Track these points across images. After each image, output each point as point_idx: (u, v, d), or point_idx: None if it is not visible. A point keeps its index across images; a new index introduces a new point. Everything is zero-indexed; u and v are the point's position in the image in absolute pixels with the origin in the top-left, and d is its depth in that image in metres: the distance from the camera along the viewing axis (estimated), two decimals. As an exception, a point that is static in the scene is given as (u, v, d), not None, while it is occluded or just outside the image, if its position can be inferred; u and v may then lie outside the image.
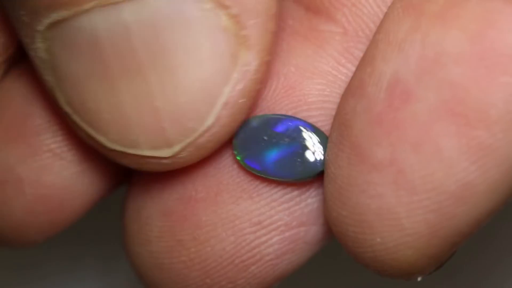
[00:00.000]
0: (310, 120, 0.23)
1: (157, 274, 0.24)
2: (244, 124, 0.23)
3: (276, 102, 0.23)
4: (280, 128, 0.23)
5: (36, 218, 0.25)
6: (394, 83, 0.20)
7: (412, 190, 0.20)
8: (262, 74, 0.22)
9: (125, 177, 0.26)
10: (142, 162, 0.22)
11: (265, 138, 0.23)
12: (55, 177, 0.25)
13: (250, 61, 0.21)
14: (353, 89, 0.21)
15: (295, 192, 0.23)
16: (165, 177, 0.24)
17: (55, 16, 0.20)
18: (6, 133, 0.25)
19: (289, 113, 0.23)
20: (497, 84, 0.19)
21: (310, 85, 0.23)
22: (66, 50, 0.21)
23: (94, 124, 0.22)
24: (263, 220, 0.23)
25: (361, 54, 0.23)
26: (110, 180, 0.26)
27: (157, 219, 0.24)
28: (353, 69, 0.23)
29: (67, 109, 0.22)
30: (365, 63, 0.21)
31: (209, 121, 0.21)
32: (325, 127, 0.23)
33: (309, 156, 0.23)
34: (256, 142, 0.23)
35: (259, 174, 0.23)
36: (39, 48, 0.21)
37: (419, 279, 0.21)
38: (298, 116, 0.23)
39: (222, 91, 0.21)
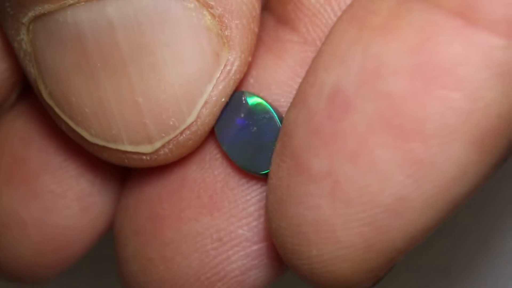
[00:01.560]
0: None
1: None
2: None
3: None
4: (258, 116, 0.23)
5: (44, 258, 0.26)
6: (335, 93, 0.20)
7: (348, 202, 0.20)
8: (242, 75, 0.22)
9: None
10: (123, 157, 0.22)
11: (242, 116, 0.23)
12: (58, 217, 0.25)
13: (232, 61, 0.22)
14: (296, 99, 0.21)
15: (253, 208, 0.23)
16: (138, 195, 0.24)
17: (39, 9, 0.21)
18: (7, 177, 0.26)
19: None
20: (434, 97, 0.19)
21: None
22: (50, 44, 0.21)
23: (76, 118, 0.22)
24: (224, 236, 0.23)
25: None
26: (113, 212, 0.26)
27: (132, 238, 0.24)
28: None
29: (49, 101, 0.22)
30: (309, 73, 0.21)
31: (190, 119, 0.22)
32: None
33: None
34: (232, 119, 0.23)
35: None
36: (22, 40, 0.22)
37: None
38: None
39: (204, 90, 0.21)
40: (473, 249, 0.35)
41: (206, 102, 0.21)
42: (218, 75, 0.21)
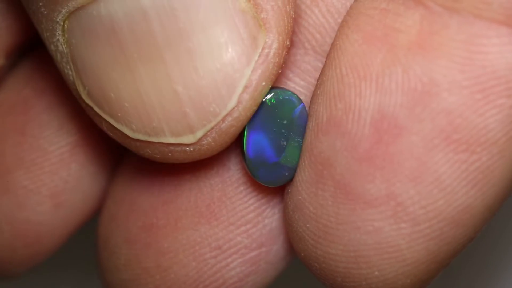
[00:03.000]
0: None
1: None
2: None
3: None
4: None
5: (15, 253, 0.26)
6: (379, 118, 0.20)
7: (413, 221, 0.20)
8: (281, 59, 0.21)
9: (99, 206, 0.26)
10: (166, 151, 0.22)
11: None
12: (31, 213, 0.25)
13: (270, 43, 0.21)
14: (324, 127, 0.21)
15: (251, 215, 0.24)
16: (128, 204, 0.24)
17: (73, 4, 0.20)
18: None
19: None
20: (493, 106, 0.19)
21: None
22: (85, 40, 0.21)
23: (116, 115, 0.21)
24: (223, 244, 0.24)
25: (308, 67, 0.23)
26: (85, 211, 0.26)
27: (123, 247, 0.24)
28: (301, 82, 0.23)
29: (88, 101, 0.22)
30: (329, 98, 0.21)
31: (231, 104, 0.21)
32: None
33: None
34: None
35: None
36: (58, 41, 0.21)
37: None
38: None
39: (243, 74, 0.21)
40: (473, 249, 0.36)
41: (246, 87, 0.21)
42: (257, 58, 0.21)
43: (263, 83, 0.21)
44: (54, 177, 0.26)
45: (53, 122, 0.26)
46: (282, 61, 0.21)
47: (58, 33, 0.21)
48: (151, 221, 0.24)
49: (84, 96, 0.22)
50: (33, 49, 0.27)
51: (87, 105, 0.22)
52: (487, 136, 0.19)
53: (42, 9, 0.21)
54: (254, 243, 0.24)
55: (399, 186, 0.20)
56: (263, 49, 0.21)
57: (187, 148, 0.21)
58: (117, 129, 0.22)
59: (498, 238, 0.37)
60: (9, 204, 0.25)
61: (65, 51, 0.21)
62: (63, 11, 0.21)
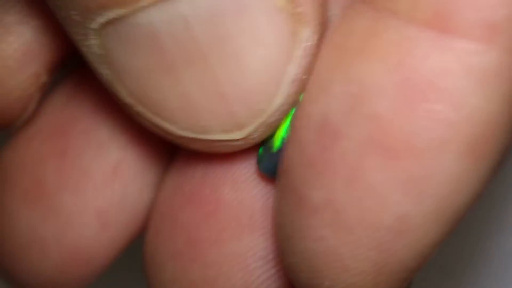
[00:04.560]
0: None
1: None
2: None
3: None
4: None
5: (65, 276, 0.26)
6: (322, 123, 0.20)
7: (350, 229, 0.20)
8: (318, 48, 0.22)
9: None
10: (213, 146, 0.22)
11: None
12: (78, 234, 0.26)
13: (309, 36, 0.21)
14: (290, 135, 0.21)
15: None
16: (171, 221, 0.24)
17: (110, 14, 0.20)
18: (24, 196, 0.26)
19: None
20: (419, 112, 0.19)
21: None
22: (123, 46, 0.21)
23: (161, 114, 0.22)
24: (267, 254, 0.23)
25: None
26: (132, 228, 0.26)
27: (169, 262, 0.24)
28: None
29: (129, 100, 0.22)
30: (299, 107, 0.21)
31: (279, 100, 0.21)
32: None
33: None
34: None
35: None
36: (92, 45, 0.21)
37: None
38: None
39: (286, 70, 0.21)
40: (474, 249, 0.36)
41: (290, 82, 0.21)
42: (298, 53, 0.21)
43: (306, 76, 0.22)
44: (98, 197, 0.26)
45: (92, 142, 0.26)
46: (317, 53, 0.22)
47: (92, 37, 0.21)
48: (195, 235, 0.24)
49: (124, 95, 0.22)
50: (76, 65, 0.27)
51: (127, 103, 0.22)
52: (414, 143, 0.19)
53: (75, 17, 0.21)
54: None
55: (335, 192, 0.20)
56: (303, 43, 0.21)
57: (235, 143, 0.22)
58: (162, 126, 0.22)
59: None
60: (57, 226, 0.26)
61: (100, 53, 0.21)
62: (99, 19, 0.21)
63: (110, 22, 0.21)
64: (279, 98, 0.21)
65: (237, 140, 0.22)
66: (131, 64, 0.21)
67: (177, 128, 0.22)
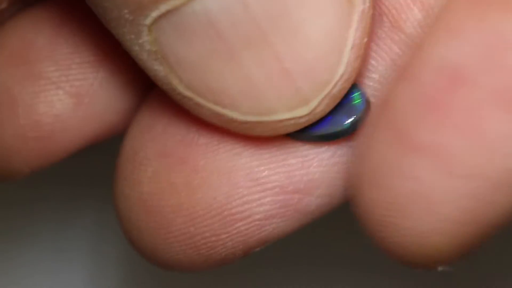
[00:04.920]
0: None
1: (143, 217, 0.23)
2: None
3: None
4: None
5: (25, 144, 0.25)
6: (450, 68, 0.20)
7: (452, 174, 0.20)
8: (372, 11, 0.22)
9: (124, 122, 0.26)
10: (278, 126, 0.22)
11: None
12: (49, 105, 0.25)
13: (363, 1, 0.21)
14: (403, 74, 0.21)
15: (299, 159, 0.23)
16: (170, 117, 0.24)
17: (164, 7, 0.20)
18: (10, 57, 0.25)
19: None
20: None
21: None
22: (178, 38, 0.20)
23: (222, 102, 0.21)
24: (260, 178, 0.23)
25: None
26: (106, 122, 0.25)
27: (154, 159, 0.24)
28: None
29: (187, 93, 0.21)
30: (418, 50, 0.21)
31: (341, 69, 0.21)
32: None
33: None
34: None
35: None
36: (145, 42, 0.21)
37: (440, 269, 0.21)
38: None
39: (347, 36, 0.21)
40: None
41: (351, 47, 0.21)
42: (356, 18, 0.21)
43: (365, 40, 0.21)
44: (80, 75, 0.25)
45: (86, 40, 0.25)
46: (372, 15, 0.22)
47: (145, 34, 0.21)
48: (192, 137, 0.23)
49: (181, 89, 0.21)
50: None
51: (185, 96, 0.21)
52: None
53: (127, 16, 0.20)
54: (291, 186, 0.23)
55: (448, 137, 0.20)
56: (359, 6, 0.21)
57: (301, 120, 0.22)
58: (223, 115, 0.21)
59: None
60: (30, 91, 0.25)
61: (153, 49, 0.21)
62: (152, 14, 0.20)
63: (164, 15, 0.20)
64: (342, 66, 0.21)
65: (303, 116, 0.22)
66: (187, 56, 0.21)
67: (240, 114, 0.21)
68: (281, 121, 0.21)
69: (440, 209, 0.20)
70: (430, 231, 0.20)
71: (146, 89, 0.26)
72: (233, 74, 0.21)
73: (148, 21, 0.20)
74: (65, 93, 0.25)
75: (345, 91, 0.22)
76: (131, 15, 0.20)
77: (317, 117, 0.22)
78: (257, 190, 0.23)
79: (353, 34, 0.21)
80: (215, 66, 0.21)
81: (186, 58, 0.21)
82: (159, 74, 0.21)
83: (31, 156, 0.25)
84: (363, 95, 0.23)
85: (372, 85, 0.23)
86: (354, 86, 0.22)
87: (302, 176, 0.23)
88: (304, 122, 0.22)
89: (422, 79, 0.20)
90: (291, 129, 0.22)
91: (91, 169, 0.34)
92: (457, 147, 0.19)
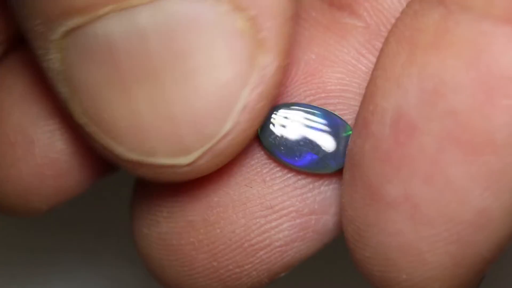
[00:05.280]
0: (329, 108, 0.23)
1: (164, 256, 0.24)
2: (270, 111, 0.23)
3: (295, 88, 0.23)
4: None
5: (43, 183, 0.25)
6: (397, 118, 0.20)
7: (430, 224, 0.20)
8: (280, 77, 0.21)
9: None
10: (159, 172, 0.21)
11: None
12: (66, 142, 0.24)
13: (267, 64, 0.21)
14: (358, 129, 0.21)
15: (309, 179, 0.23)
16: None
17: (70, 23, 0.20)
18: (22, 96, 0.24)
19: (307, 100, 0.23)
20: (498, 108, 0.19)
21: (330, 73, 0.23)
22: (81, 59, 0.20)
23: (110, 134, 0.21)
24: (275, 205, 0.23)
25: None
26: None
27: (168, 199, 0.23)
28: (374, 60, 0.23)
29: (82, 120, 0.21)
30: (366, 101, 0.21)
31: (227, 126, 0.21)
32: (344, 116, 0.23)
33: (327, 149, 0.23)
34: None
35: (278, 160, 0.23)
36: (52, 59, 0.21)
37: None
38: (316, 103, 0.23)
39: (240, 95, 0.20)
40: None
41: (243, 108, 0.21)
42: (254, 79, 0.21)
43: (261, 103, 0.21)
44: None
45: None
46: (280, 80, 0.21)
47: (53, 51, 0.20)
48: (202, 177, 0.23)
49: (78, 115, 0.21)
50: (15, 49, 0.26)
51: (80, 124, 0.21)
52: (493, 138, 0.19)
53: (39, 27, 0.20)
54: (306, 208, 0.23)
55: (414, 187, 0.20)
56: (261, 69, 0.21)
57: (180, 170, 0.21)
58: (110, 148, 0.21)
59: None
60: (46, 130, 0.24)
61: (58, 69, 0.21)
62: (60, 29, 0.20)
63: (70, 33, 0.20)
64: (229, 123, 0.21)
65: (184, 166, 0.21)
66: (86, 79, 0.21)
67: (125, 149, 0.21)
68: (161, 166, 0.21)
69: (429, 258, 0.20)
70: (425, 280, 0.20)
71: None
72: (122, 107, 0.20)
73: (55, 36, 0.20)
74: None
75: (234, 152, 0.21)
76: (42, 27, 0.20)
77: (199, 172, 0.21)
78: (274, 217, 0.23)
79: (246, 95, 0.20)
80: (109, 95, 0.20)
81: (85, 82, 0.21)
82: (63, 95, 0.21)
83: (48, 194, 0.25)
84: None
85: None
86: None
87: (315, 197, 0.23)
88: (186, 172, 0.21)
89: (376, 132, 0.20)
90: (171, 178, 0.21)
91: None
92: (426, 196, 0.20)
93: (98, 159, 0.25)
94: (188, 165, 0.21)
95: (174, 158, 0.21)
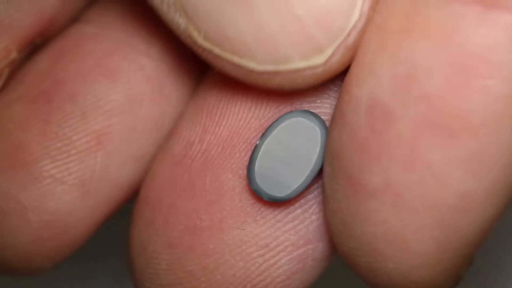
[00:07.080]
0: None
1: None
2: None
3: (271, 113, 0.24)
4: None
5: (43, 246, 0.25)
6: (372, 106, 0.20)
7: (413, 211, 0.19)
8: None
9: (129, 198, 0.26)
10: (295, 77, 0.21)
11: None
12: (58, 202, 0.25)
13: None
14: (336, 120, 0.21)
15: (298, 211, 0.23)
16: (168, 208, 0.24)
17: None
18: (4, 162, 0.25)
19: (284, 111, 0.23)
20: (471, 89, 0.19)
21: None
22: None
23: (239, 51, 0.21)
24: (270, 242, 0.23)
25: None
26: (114, 200, 0.25)
27: (164, 252, 0.24)
28: None
29: (206, 45, 0.21)
30: (342, 91, 0.21)
31: (355, 17, 0.21)
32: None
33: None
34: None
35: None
36: None
37: None
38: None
39: None
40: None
41: None
42: None
43: None
44: (80, 165, 0.25)
45: (76, 111, 0.25)
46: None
47: None
48: (194, 223, 0.23)
49: (200, 41, 0.21)
50: (47, 44, 0.26)
51: (205, 49, 0.21)
52: (470, 120, 0.19)
53: None
54: (301, 240, 0.23)
55: (394, 175, 0.19)
56: None
57: (317, 70, 0.21)
58: (241, 66, 0.21)
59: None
60: (36, 194, 0.25)
61: (171, 1, 0.21)
62: None
63: None
64: (356, 14, 0.20)
65: (320, 66, 0.21)
66: (203, 5, 0.21)
67: (257, 63, 0.21)
68: (297, 70, 0.21)
69: (414, 245, 0.20)
70: (413, 268, 0.20)
71: (148, 162, 0.26)
72: (246, 22, 0.20)
73: None
74: (70, 186, 0.25)
75: (359, 44, 0.21)
76: None
77: (333, 69, 0.21)
78: (271, 255, 0.23)
79: None
80: (230, 13, 0.20)
81: (202, 8, 0.21)
82: (180, 27, 0.21)
83: (50, 254, 0.25)
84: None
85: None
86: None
87: (307, 227, 0.23)
88: (321, 73, 0.21)
89: (352, 122, 0.20)
90: (309, 82, 0.21)
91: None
92: (407, 183, 0.19)
93: (94, 212, 0.25)
94: (324, 64, 0.21)
95: (309, 59, 0.21)
